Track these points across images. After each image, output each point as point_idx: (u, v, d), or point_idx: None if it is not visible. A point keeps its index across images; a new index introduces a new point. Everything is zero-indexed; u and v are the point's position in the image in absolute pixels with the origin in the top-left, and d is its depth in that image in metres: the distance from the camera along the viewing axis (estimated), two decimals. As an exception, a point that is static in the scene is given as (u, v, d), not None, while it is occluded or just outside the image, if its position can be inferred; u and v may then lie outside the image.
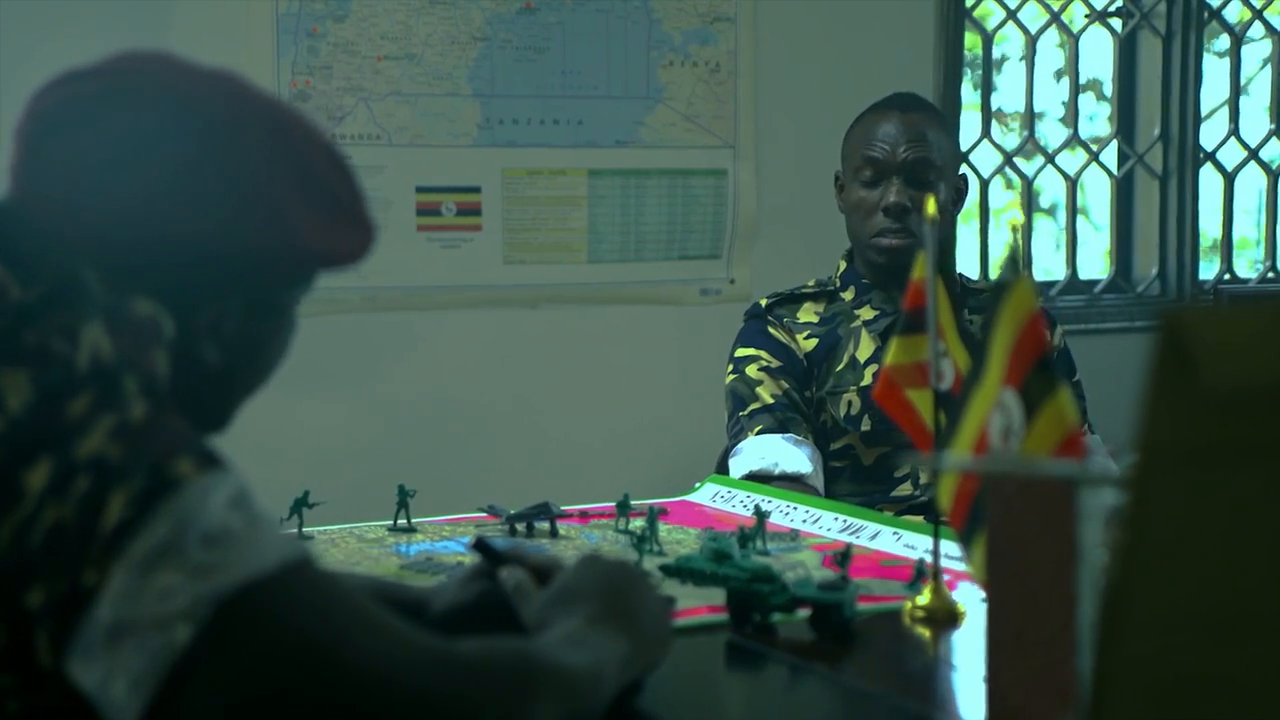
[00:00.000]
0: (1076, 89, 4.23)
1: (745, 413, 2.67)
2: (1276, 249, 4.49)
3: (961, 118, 3.98)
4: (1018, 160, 4.19)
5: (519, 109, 3.56)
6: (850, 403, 2.66)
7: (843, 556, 1.84)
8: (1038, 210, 4.45)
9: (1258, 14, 4.42)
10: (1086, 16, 4.23)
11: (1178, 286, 4.32)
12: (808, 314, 2.75)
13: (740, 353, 2.74)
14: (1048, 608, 1.21)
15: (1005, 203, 4.26)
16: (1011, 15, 4.12)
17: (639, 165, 3.65)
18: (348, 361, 3.48)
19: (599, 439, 3.64)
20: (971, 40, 4.08)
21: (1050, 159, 4.21)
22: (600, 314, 3.66)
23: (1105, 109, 4.38)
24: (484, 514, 2.22)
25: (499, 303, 3.57)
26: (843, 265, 2.79)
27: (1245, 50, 4.45)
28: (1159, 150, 4.32)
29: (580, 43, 3.59)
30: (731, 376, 2.72)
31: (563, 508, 2.18)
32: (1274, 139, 4.46)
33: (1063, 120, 4.29)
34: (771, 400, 2.66)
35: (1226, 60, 4.42)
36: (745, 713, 1.56)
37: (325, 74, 3.42)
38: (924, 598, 1.71)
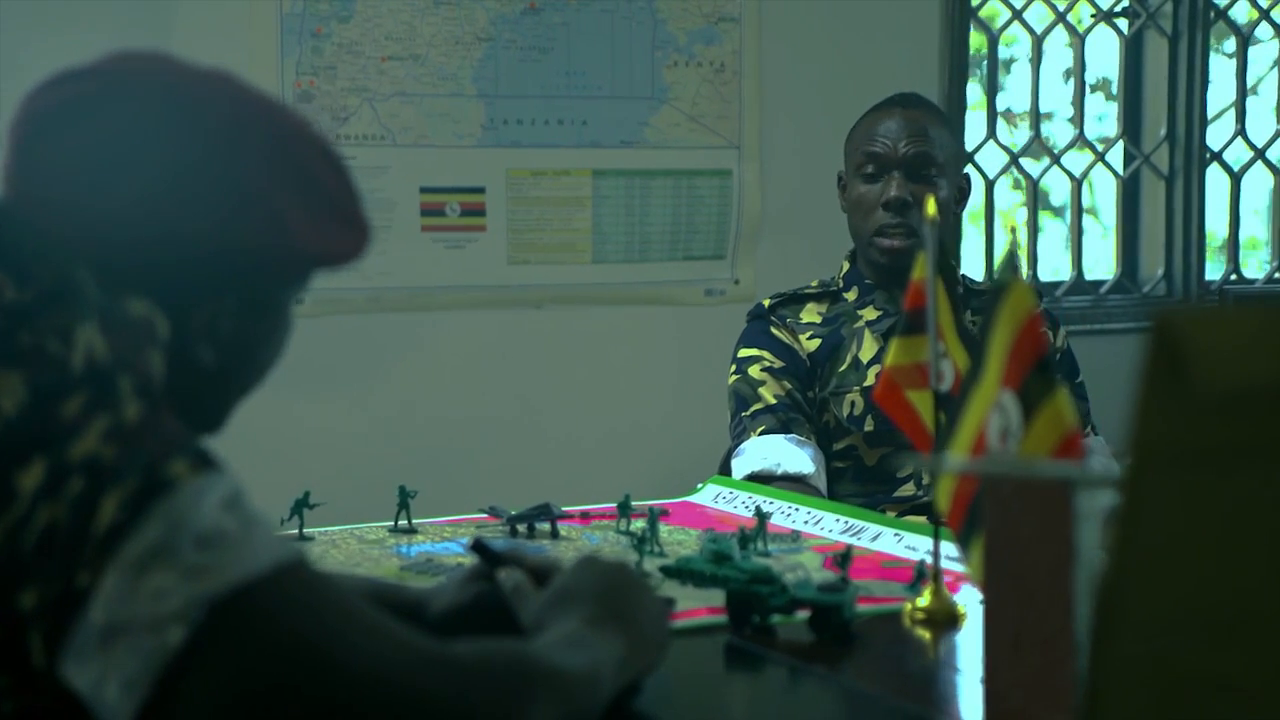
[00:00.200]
0: (1082, 89, 4.23)
1: (748, 413, 2.66)
2: (1284, 250, 4.49)
3: (968, 118, 3.98)
4: (1027, 160, 4.18)
5: (523, 109, 3.56)
6: (853, 403, 2.66)
7: (843, 558, 1.83)
8: (1048, 211, 4.44)
9: (1265, 14, 4.41)
10: (1093, 16, 4.22)
11: (1184, 287, 4.32)
12: (810, 314, 2.75)
13: (743, 353, 2.74)
14: (1045, 609, 1.21)
15: (1014, 203, 4.25)
16: (1017, 15, 4.11)
17: (643, 165, 3.65)
18: (351, 362, 3.48)
19: (603, 439, 3.64)
20: (979, 40, 4.08)
21: (1056, 159, 4.20)
22: (604, 315, 3.66)
23: (1114, 109, 4.37)
24: (485, 515, 2.22)
25: (503, 303, 3.57)
26: (845, 266, 2.79)
27: (1252, 50, 4.44)
28: (1165, 150, 4.31)
29: (585, 43, 3.59)
30: (734, 377, 2.72)
31: (564, 509, 2.18)
32: (1281, 139, 4.45)
33: (1071, 120, 4.28)
34: (774, 401, 2.66)
35: (1234, 59, 4.41)
36: (744, 714, 1.55)
37: (329, 74, 3.42)
38: (924, 599, 1.71)
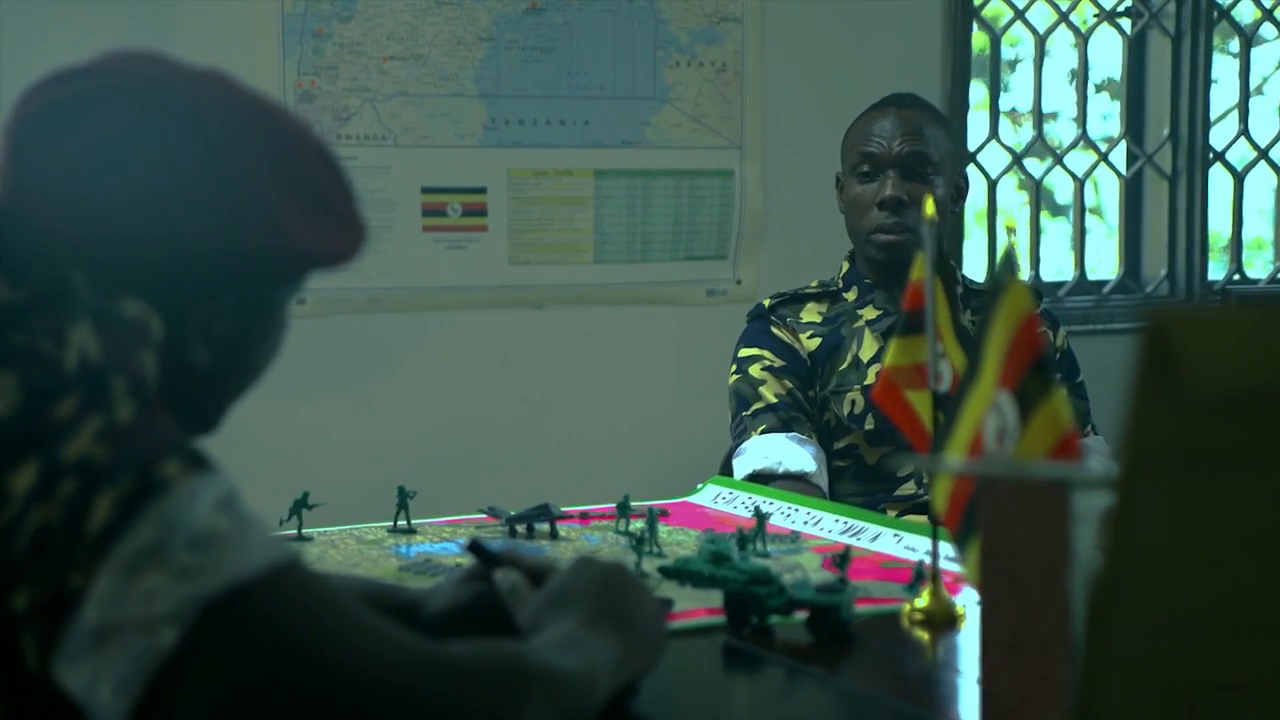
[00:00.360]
0: (1085, 89, 4.22)
1: (749, 412, 2.66)
2: (1288, 250, 4.48)
3: (971, 118, 3.97)
4: (1032, 160, 4.17)
5: (525, 109, 3.55)
6: (854, 402, 2.66)
7: (842, 558, 1.83)
8: (1054, 211, 4.43)
9: (1268, 14, 4.40)
10: (1095, 16, 4.21)
11: (1187, 287, 4.31)
12: (810, 314, 2.75)
13: (743, 353, 2.74)
14: (1042, 611, 1.20)
15: (1019, 204, 4.24)
16: (1019, 15, 4.10)
17: (645, 166, 3.65)
18: (352, 362, 3.48)
19: (604, 440, 3.63)
20: (984, 40, 4.07)
21: (1059, 159, 4.20)
22: (606, 315, 3.66)
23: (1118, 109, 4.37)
24: (484, 515, 2.21)
25: (504, 303, 3.57)
26: (845, 266, 2.79)
27: (1258, 51, 4.43)
28: (1168, 150, 4.31)
29: (586, 43, 3.58)
30: (735, 377, 2.72)
31: (563, 509, 2.17)
32: (1284, 139, 4.45)
33: (1074, 120, 4.27)
34: (775, 400, 2.66)
35: (1236, 60, 4.40)
36: (741, 715, 1.55)
37: (331, 74, 3.42)
38: (923, 600, 1.70)
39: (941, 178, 2.69)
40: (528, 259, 3.58)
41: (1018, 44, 4.35)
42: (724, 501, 2.37)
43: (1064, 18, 4.16)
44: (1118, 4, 4.24)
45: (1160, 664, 0.87)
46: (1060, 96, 4.31)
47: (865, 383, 2.65)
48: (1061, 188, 4.38)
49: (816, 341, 2.71)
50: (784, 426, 2.63)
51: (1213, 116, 4.32)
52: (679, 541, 2.08)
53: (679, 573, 1.73)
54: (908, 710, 1.44)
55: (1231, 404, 0.84)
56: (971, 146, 4.03)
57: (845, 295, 2.76)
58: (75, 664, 1.07)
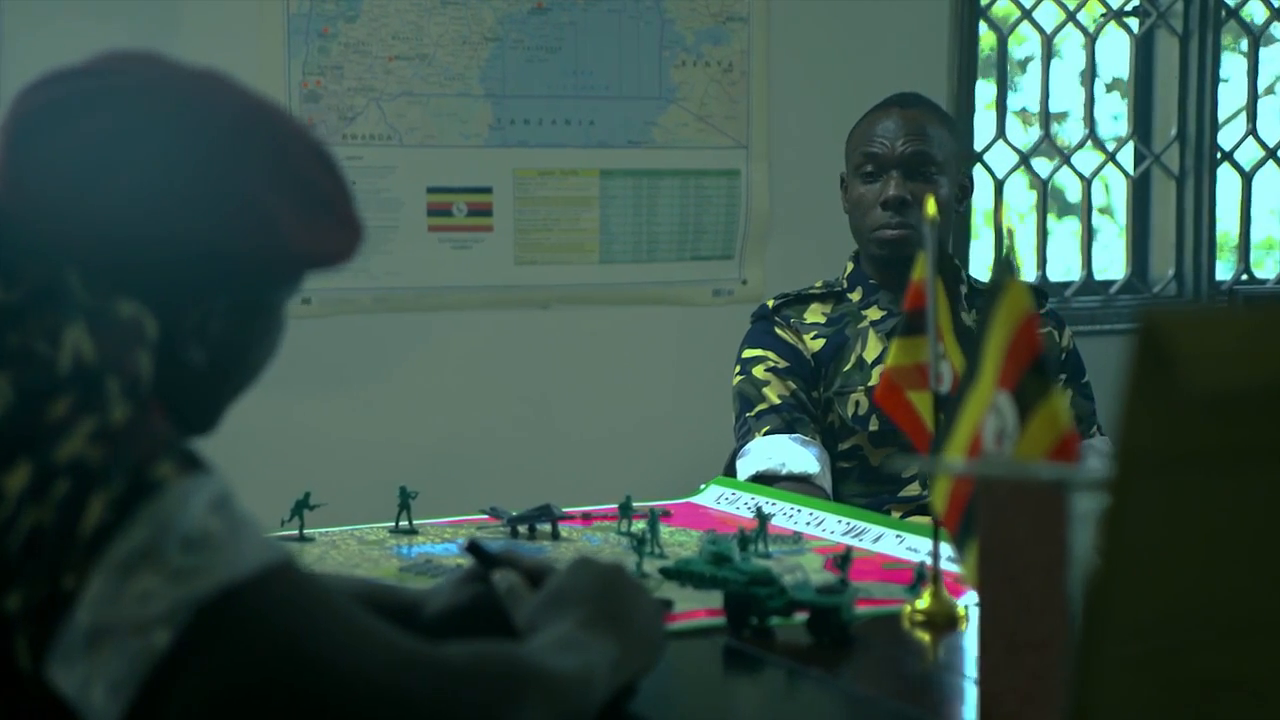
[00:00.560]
0: (1092, 88, 4.21)
1: (752, 413, 2.66)
2: (1296, 249, 4.47)
3: (979, 117, 3.96)
4: (1041, 160, 4.16)
5: (530, 109, 3.55)
6: (858, 403, 2.65)
7: (843, 559, 1.82)
8: (1065, 211, 4.41)
9: (1277, 13, 4.39)
10: (1102, 15, 4.20)
11: (1194, 287, 4.30)
12: (815, 315, 2.75)
13: (747, 354, 2.73)
14: (1040, 612, 1.20)
15: (1030, 204, 4.23)
16: (1026, 15, 4.09)
17: (651, 165, 3.64)
18: (357, 362, 3.48)
19: (610, 440, 3.63)
20: (993, 40, 4.06)
21: (1066, 159, 4.19)
22: (612, 315, 3.66)
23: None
24: (486, 516, 2.21)
25: (510, 303, 3.57)
26: (850, 266, 2.79)
27: (1266, 51, 4.41)
28: (1176, 150, 4.30)
29: (592, 43, 3.58)
30: (738, 378, 2.72)
31: (565, 510, 2.17)
32: (1293, 138, 4.43)
33: (1082, 119, 4.26)
34: (779, 401, 2.65)
35: (1240, 59, 4.40)
36: (741, 717, 1.55)
37: (336, 74, 3.41)
38: (924, 601, 1.70)
39: (945, 177, 2.68)
40: (533, 259, 3.57)
41: (1026, 43, 4.34)
42: (727, 502, 2.36)
43: (1071, 17, 4.15)
44: (1125, 3, 4.23)
45: (1156, 664, 0.87)
46: (1073, 96, 4.29)
47: (869, 384, 2.64)
48: (1072, 188, 4.36)
49: (820, 342, 2.71)
50: (788, 428, 2.62)
51: (1222, 116, 4.31)
52: (680, 542, 2.08)
53: (680, 573, 1.73)
54: (907, 712, 1.44)
55: (1227, 404, 0.83)
56: (979, 146, 4.02)
57: (850, 296, 2.75)
58: (68, 665, 1.07)
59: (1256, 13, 4.39)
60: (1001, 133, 4.07)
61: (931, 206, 1.70)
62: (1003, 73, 4.08)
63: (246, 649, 1.08)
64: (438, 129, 3.49)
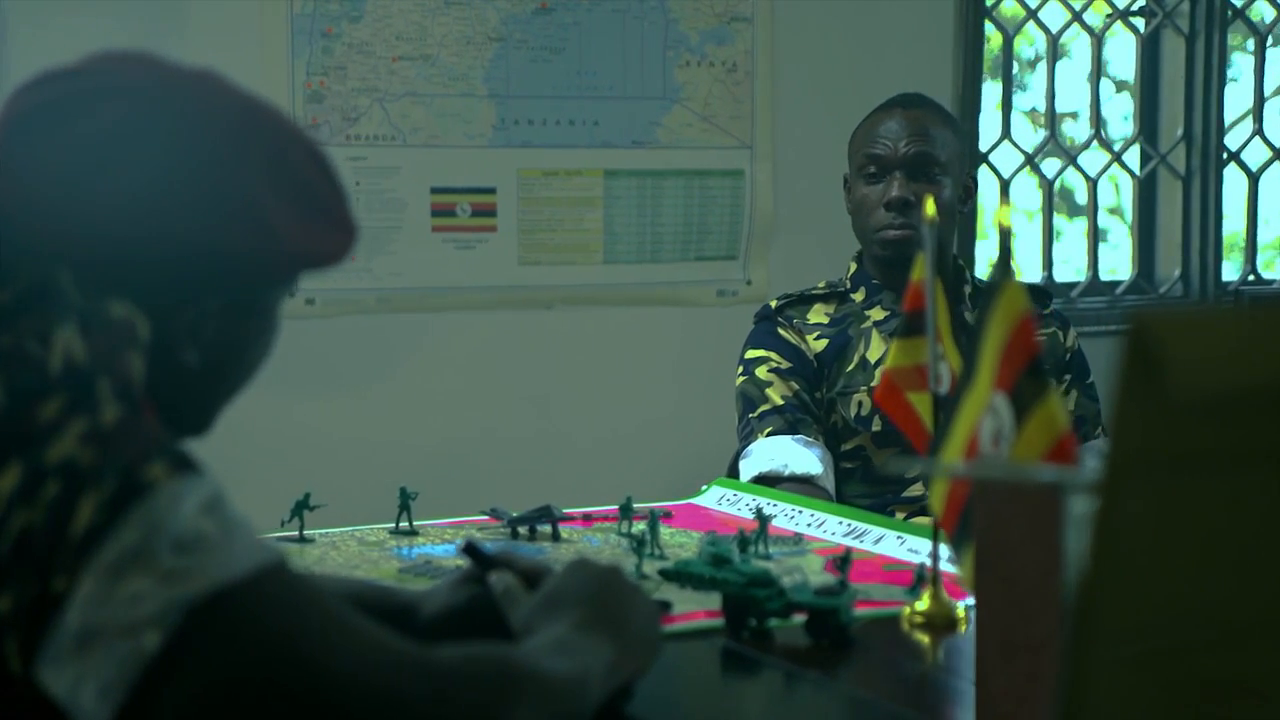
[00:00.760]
0: (1098, 88, 4.20)
1: (755, 414, 2.65)
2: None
3: (986, 117, 3.95)
4: (1050, 160, 4.15)
5: (534, 109, 3.55)
6: (861, 403, 2.65)
7: (842, 561, 1.82)
8: (1074, 211, 4.40)
9: (1284, 13, 4.39)
10: (1108, 16, 4.19)
11: (1201, 288, 4.29)
12: (818, 315, 2.74)
13: (750, 354, 2.73)
14: (1035, 614, 1.19)
15: (1038, 205, 4.22)
16: (1032, 15, 4.08)
17: (655, 166, 3.64)
18: (361, 362, 3.48)
19: (614, 441, 3.63)
20: (1001, 40, 4.05)
21: (1072, 159, 4.18)
22: (616, 315, 3.65)
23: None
24: (486, 517, 2.21)
25: (514, 304, 3.57)
26: (853, 267, 2.78)
27: (1272, 51, 4.40)
28: (1182, 150, 4.29)
29: (596, 43, 3.58)
30: (741, 378, 2.71)
31: (565, 511, 2.16)
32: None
33: (1088, 120, 4.24)
34: (781, 402, 2.65)
35: (1251, 59, 4.38)
36: (739, 719, 1.54)
37: (340, 74, 3.41)
38: (923, 603, 1.69)
39: (949, 178, 2.67)
40: (537, 259, 3.57)
41: (1035, 43, 4.33)
42: (728, 503, 2.36)
43: (1077, 17, 4.14)
44: (1131, 3, 4.22)
45: (1155, 665, 0.86)
46: (1082, 96, 4.28)
47: (872, 384, 2.63)
48: (1082, 188, 4.35)
49: (823, 343, 2.70)
50: (790, 429, 2.62)
51: (1231, 117, 4.30)
52: (681, 544, 2.07)
53: (679, 575, 1.72)
54: (905, 714, 1.44)
55: (1217, 407, 0.82)
56: (985, 146, 4.01)
57: (853, 296, 2.75)
58: (58, 667, 1.06)
59: (1264, 13, 4.37)
60: (1007, 133, 4.07)
61: (930, 207, 1.70)
62: (1008, 73, 4.07)
63: (238, 650, 1.08)
64: (441, 129, 3.49)
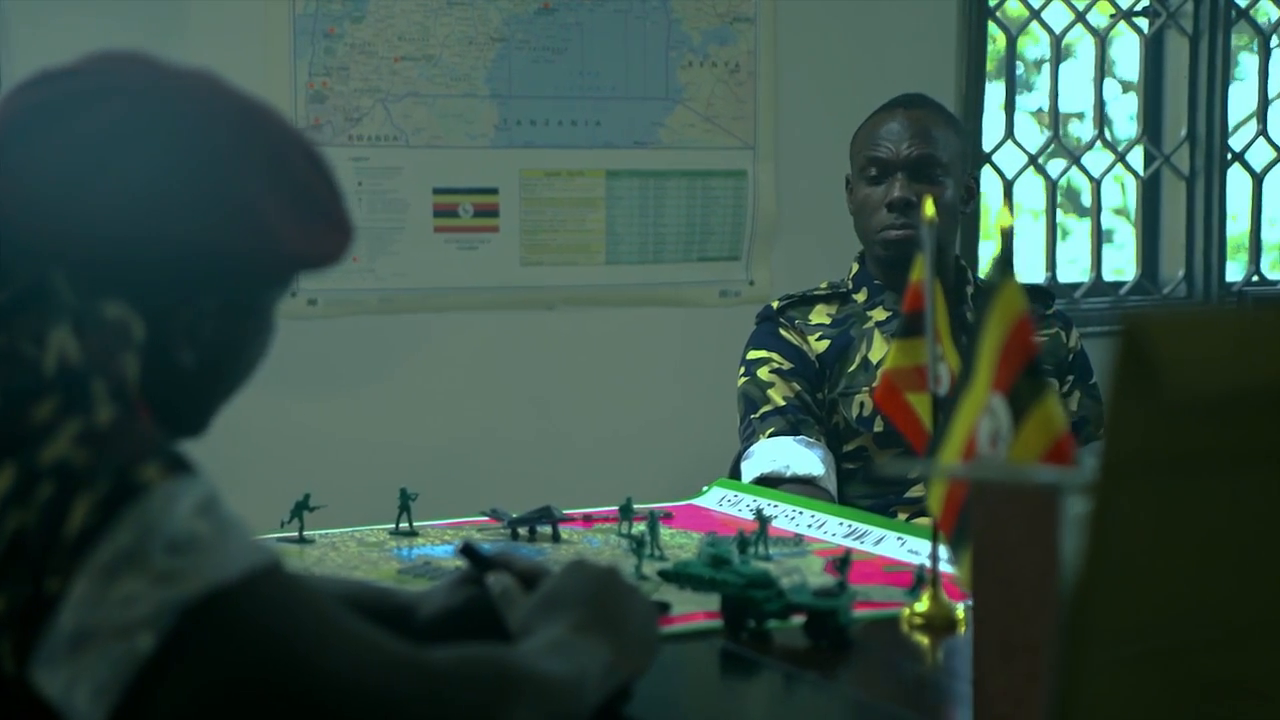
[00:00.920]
0: (1102, 89, 4.19)
1: (757, 415, 2.65)
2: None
3: (989, 118, 3.95)
4: (1055, 161, 4.14)
5: (537, 110, 3.54)
6: (862, 404, 2.64)
7: (842, 562, 1.81)
8: (1081, 212, 4.39)
9: (1288, 14, 4.38)
10: (1111, 16, 4.19)
11: (1205, 289, 4.28)
12: (820, 316, 2.74)
13: (752, 355, 2.72)
14: (1033, 615, 1.19)
15: (1042, 205, 4.21)
16: (1035, 15, 4.08)
17: (658, 166, 3.64)
18: (363, 363, 3.47)
19: (615, 441, 3.62)
20: (1005, 40, 4.05)
21: (1076, 160, 4.17)
22: (618, 316, 3.65)
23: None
24: (487, 518, 2.20)
25: (516, 304, 3.56)
26: (855, 267, 2.78)
27: (1276, 52, 4.39)
28: (1186, 151, 4.28)
29: (598, 43, 3.57)
30: (743, 379, 2.71)
31: (565, 511, 2.16)
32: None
33: (1092, 120, 4.24)
34: (783, 402, 2.64)
35: (1255, 59, 4.38)
36: (737, 720, 1.54)
37: (342, 75, 3.41)
38: (922, 604, 1.69)
39: (951, 179, 2.67)
40: (539, 260, 3.57)
41: (1041, 44, 4.32)
42: (729, 504, 2.35)
43: (1080, 17, 4.13)
44: (1134, 4, 4.21)
45: (1155, 665, 0.86)
46: (1086, 97, 4.27)
47: (874, 385, 2.63)
48: (1085, 189, 4.35)
49: (825, 344, 2.70)
50: (792, 429, 2.61)
51: (1235, 118, 4.29)
52: (681, 544, 2.07)
53: (678, 576, 1.72)
54: (904, 715, 1.43)
55: (1212, 407, 0.82)
56: (988, 147, 4.00)
57: (855, 297, 2.74)
58: (52, 669, 1.06)
59: (1269, 13, 4.37)
60: (1010, 133, 4.06)
61: (929, 209, 1.69)
62: (1011, 73, 4.07)
63: (232, 651, 1.07)
64: (444, 130, 3.48)
